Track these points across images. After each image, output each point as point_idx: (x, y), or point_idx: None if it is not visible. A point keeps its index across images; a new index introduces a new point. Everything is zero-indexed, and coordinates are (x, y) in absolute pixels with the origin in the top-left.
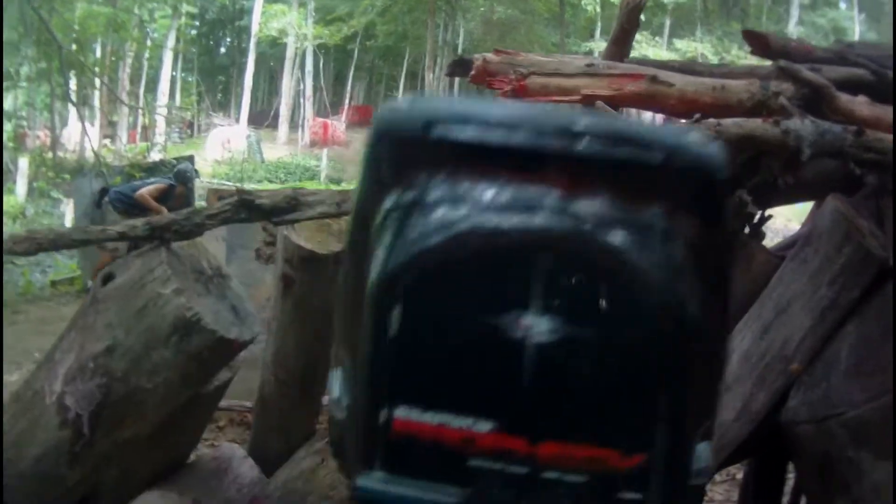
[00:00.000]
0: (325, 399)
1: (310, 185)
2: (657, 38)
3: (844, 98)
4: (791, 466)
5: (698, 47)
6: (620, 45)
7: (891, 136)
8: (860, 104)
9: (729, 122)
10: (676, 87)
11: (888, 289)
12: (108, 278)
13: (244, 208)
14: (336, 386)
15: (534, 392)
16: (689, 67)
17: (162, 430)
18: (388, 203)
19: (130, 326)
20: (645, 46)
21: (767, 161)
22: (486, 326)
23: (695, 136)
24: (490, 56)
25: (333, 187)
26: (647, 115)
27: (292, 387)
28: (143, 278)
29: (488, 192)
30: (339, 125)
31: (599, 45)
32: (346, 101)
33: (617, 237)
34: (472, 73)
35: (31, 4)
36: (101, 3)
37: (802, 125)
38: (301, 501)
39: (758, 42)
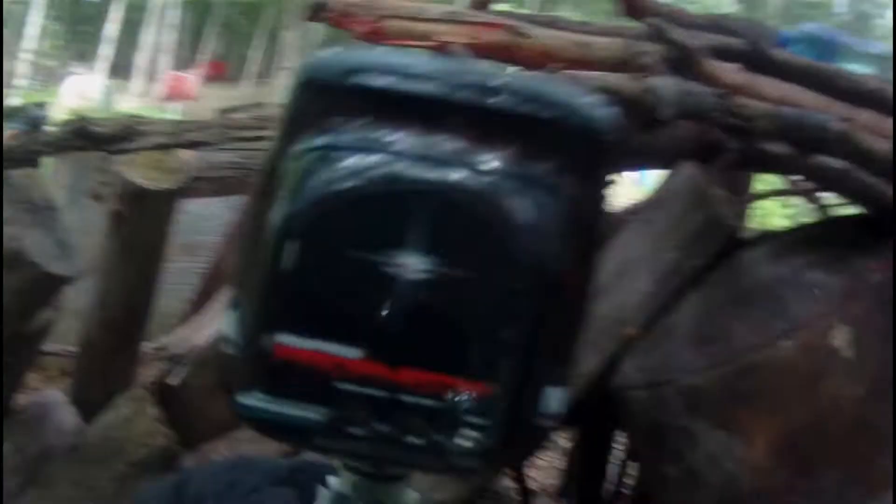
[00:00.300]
0: (147, 346)
1: None
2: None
3: (714, 64)
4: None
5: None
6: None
7: (757, 103)
8: (730, 71)
9: (588, 75)
10: (538, 40)
11: (737, 258)
12: None
13: (80, 136)
14: (229, 325)
15: (397, 323)
16: (555, 23)
17: None
18: (300, 146)
19: None
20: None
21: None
22: (364, 260)
23: (593, 98)
24: None
25: None
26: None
27: (114, 331)
28: None
29: (395, 142)
30: (192, 80)
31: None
32: (203, 56)
33: (501, 189)
34: (330, 14)
35: None
36: None
37: (665, 84)
38: (119, 448)
39: (632, 5)
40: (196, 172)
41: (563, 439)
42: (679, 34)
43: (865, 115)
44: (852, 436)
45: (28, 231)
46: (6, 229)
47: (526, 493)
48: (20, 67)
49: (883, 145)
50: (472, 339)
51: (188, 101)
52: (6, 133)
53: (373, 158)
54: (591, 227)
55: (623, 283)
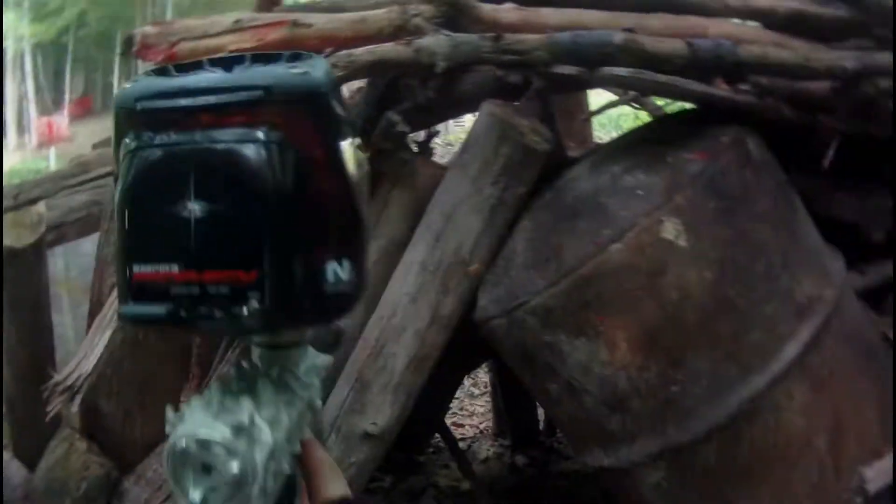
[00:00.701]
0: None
1: None
2: None
3: (487, 8)
4: None
5: None
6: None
7: (532, 36)
8: (505, 11)
9: (361, 51)
10: (315, 27)
11: (560, 178)
12: None
13: None
14: (115, 268)
15: (196, 243)
16: (337, 6)
17: None
18: (121, 150)
19: None
20: None
21: (406, 81)
22: (171, 211)
23: (294, 68)
24: (148, 29)
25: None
26: None
27: (27, 382)
28: None
29: (167, 137)
30: (62, 121)
31: None
32: (66, 95)
33: (237, 148)
34: (135, 48)
35: None
36: None
37: (435, 41)
38: (62, 487)
39: None
40: (56, 222)
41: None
42: None
43: (657, 20)
44: (713, 319)
45: None
46: None
47: (451, 442)
48: None
49: (671, 45)
50: (241, 246)
51: (62, 144)
52: None
53: (157, 150)
54: (324, 158)
55: (454, 226)
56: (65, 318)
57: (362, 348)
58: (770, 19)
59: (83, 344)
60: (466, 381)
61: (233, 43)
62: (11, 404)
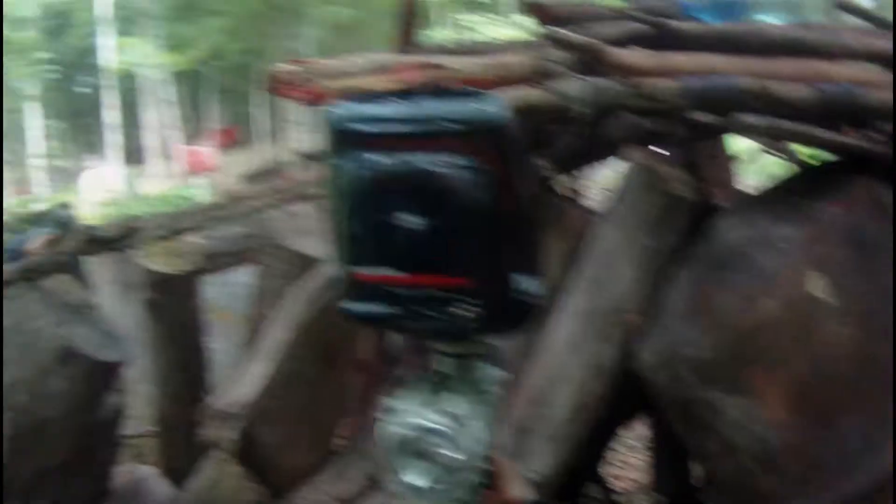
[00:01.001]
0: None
1: None
2: (493, 15)
3: (620, 53)
4: None
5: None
6: (405, 35)
7: (666, 82)
8: (637, 56)
9: (508, 97)
10: (459, 72)
11: (711, 228)
12: None
13: (89, 242)
14: (337, 268)
15: (414, 251)
16: (471, 49)
17: (75, 459)
18: (338, 165)
19: (21, 362)
20: (486, 27)
21: (552, 128)
22: (390, 222)
23: (487, 106)
24: (285, 67)
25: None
26: None
27: (180, 403)
28: (22, 317)
29: (384, 157)
30: (207, 150)
31: (442, 33)
32: (209, 125)
33: (450, 171)
34: (270, 85)
35: None
36: None
37: (576, 86)
38: None
39: (540, 13)
40: (213, 251)
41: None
42: (574, 37)
43: (783, 65)
44: (862, 378)
45: (74, 328)
46: (56, 331)
47: (607, 494)
48: (33, 173)
49: (798, 89)
50: (455, 256)
51: (210, 173)
52: (42, 238)
53: (376, 168)
54: (510, 182)
55: (611, 275)
56: (215, 345)
57: (522, 395)
58: (891, 62)
59: (242, 372)
60: (625, 432)
61: (373, 84)
62: (164, 423)
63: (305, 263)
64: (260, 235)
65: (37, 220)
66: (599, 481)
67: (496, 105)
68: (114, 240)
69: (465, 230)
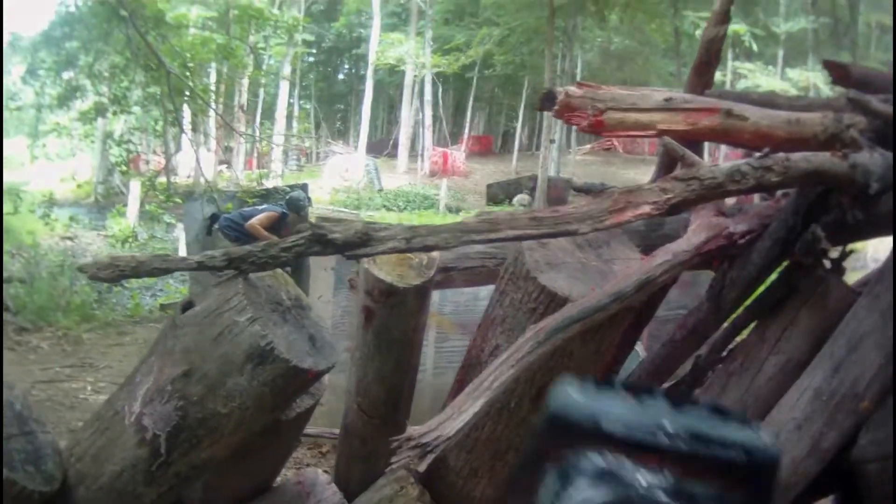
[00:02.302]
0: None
1: (427, 215)
2: (770, 67)
3: None
4: None
5: (810, 76)
6: (701, 76)
7: None
8: None
9: (798, 157)
10: (751, 121)
11: None
12: (187, 305)
13: (317, 242)
14: None
15: None
16: (768, 100)
17: (242, 455)
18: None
19: (207, 353)
20: (759, 76)
21: (836, 197)
22: None
23: (763, 437)
24: (572, 90)
25: (450, 217)
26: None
27: (374, 415)
28: (220, 307)
29: (625, 475)
30: (458, 155)
31: (716, 76)
32: (466, 130)
33: None
34: (556, 107)
35: (138, 30)
36: (214, 30)
37: (871, 159)
38: None
39: (838, 72)
40: (446, 264)
41: None
42: (877, 105)
43: None
44: None
45: (278, 329)
46: (252, 328)
47: None
48: (276, 150)
49: None
50: None
51: (457, 177)
52: (265, 214)
53: (612, 488)
54: None
55: (855, 358)
56: (427, 350)
57: None
58: None
59: (451, 404)
60: None
61: (663, 122)
62: (349, 431)
63: (550, 299)
64: (501, 257)
65: (267, 195)
66: None
67: (762, 438)
68: (346, 244)
69: None
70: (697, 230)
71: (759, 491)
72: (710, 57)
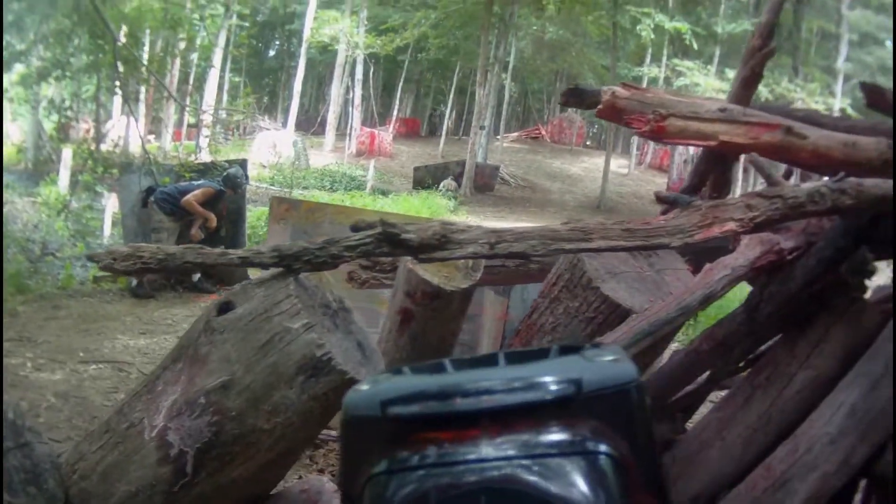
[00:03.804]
0: None
1: (356, 195)
2: (708, 67)
3: None
4: None
5: None
6: (748, 90)
7: None
8: None
9: (870, 183)
10: (810, 140)
11: None
12: (225, 307)
13: (387, 243)
14: None
15: None
16: (812, 118)
17: (265, 468)
18: (370, 472)
19: (251, 363)
20: (696, 75)
21: (889, 221)
22: None
23: (604, 363)
24: (619, 91)
25: (380, 198)
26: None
27: None
28: (269, 311)
29: (441, 455)
30: (386, 136)
31: (651, 70)
32: (394, 112)
33: (524, 472)
34: (600, 107)
35: None
36: None
37: None
38: None
39: (875, 96)
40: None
41: None
42: None
43: None
44: None
45: (331, 336)
46: (307, 336)
47: None
48: (205, 123)
49: None
50: None
51: (383, 158)
52: (201, 190)
53: (427, 472)
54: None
55: (890, 375)
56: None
57: (764, 476)
58: None
59: None
60: None
61: (725, 133)
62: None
63: (611, 310)
64: (555, 264)
65: (204, 170)
66: None
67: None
68: (421, 246)
69: None
70: (751, 245)
71: (615, 419)
72: (759, 70)
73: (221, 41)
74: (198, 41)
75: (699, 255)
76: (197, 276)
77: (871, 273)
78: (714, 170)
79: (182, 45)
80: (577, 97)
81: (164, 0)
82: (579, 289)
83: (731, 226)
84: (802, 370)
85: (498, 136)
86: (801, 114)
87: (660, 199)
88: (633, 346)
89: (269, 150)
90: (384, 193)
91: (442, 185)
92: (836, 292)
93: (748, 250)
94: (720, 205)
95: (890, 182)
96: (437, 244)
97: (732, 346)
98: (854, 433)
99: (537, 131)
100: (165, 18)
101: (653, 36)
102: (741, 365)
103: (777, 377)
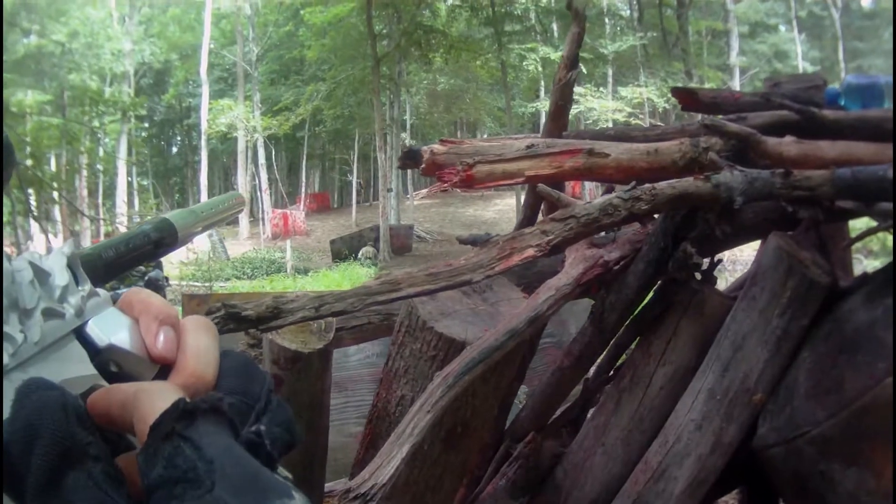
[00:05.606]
0: (331, 486)
1: (278, 278)
2: (601, 89)
3: (771, 142)
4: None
5: (643, 92)
6: (558, 120)
7: (816, 172)
8: (787, 145)
9: (663, 185)
10: (612, 157)
11: (837, 309)
12: None
13: (232, 320)
14: None
15: None
16: (624, 133)
17: None
18: None
19: None
20: (590, 99)
21: (703, 214)
22: None
23: None
24: (437, 147)
25: (300, 277)
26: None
27: (295, 476)
28: None
29: None
30: (298, 214)
31: (545, 104)
32: (302, 189)
33: None
34: (423, 166)
35: None
36: (51, 114)
37: (732, 177)
38: None
39: (687, 99)
40: (344, 324)
41: None
42: (731, 126)
43: None
44: None
45: None
46: None
47: None
48: (120, 229)
49: None
50: None
51: (299, 236)
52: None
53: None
54: None
55: (742, 355)
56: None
57: (643, 471)
58: None
59: (380, 453)
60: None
61: (530, 168)
62: None
63: (449, 346)
64: (388, 313)
65: (124, 277)
66: None
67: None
68: (258, 319)
69: None
70: (574, 263)
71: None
72: (564, 101)
73: (123, 147)
74: (100, 151)
75: (533, 282)
76: None
77: (696, 267)
78: (542, 200)
79: (84, 158)
80: (412, 159)
81: (61, 116)
82: (418, 331)
83: (531, 252)
84: (660, 367)
85: (408, 196)
86: (612, 132)
87: (461, 241)
88: (466, 373)
89: (185, 247)
90: (305, 272)
91: (360, 253)
92: (677, 289)
93: (571, 269)
94: (517, 235)
95: (686, 181)
96: (271, 315)
97: (591, 358)
98: (717, 415)
99: (446, 184)
100: (63, 135)
101: (541, 69)
102: (611, 374)
103: (639, 378)
